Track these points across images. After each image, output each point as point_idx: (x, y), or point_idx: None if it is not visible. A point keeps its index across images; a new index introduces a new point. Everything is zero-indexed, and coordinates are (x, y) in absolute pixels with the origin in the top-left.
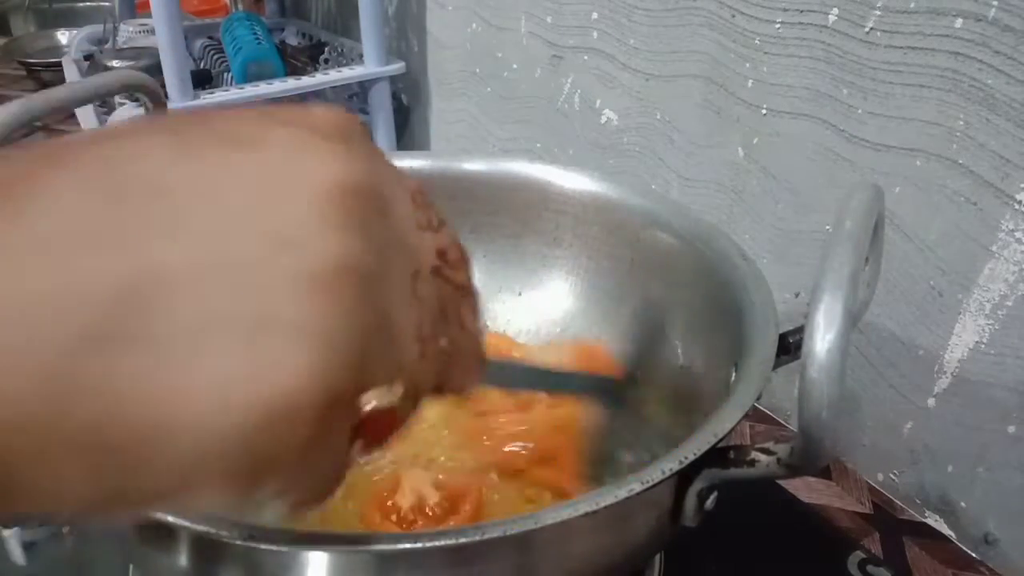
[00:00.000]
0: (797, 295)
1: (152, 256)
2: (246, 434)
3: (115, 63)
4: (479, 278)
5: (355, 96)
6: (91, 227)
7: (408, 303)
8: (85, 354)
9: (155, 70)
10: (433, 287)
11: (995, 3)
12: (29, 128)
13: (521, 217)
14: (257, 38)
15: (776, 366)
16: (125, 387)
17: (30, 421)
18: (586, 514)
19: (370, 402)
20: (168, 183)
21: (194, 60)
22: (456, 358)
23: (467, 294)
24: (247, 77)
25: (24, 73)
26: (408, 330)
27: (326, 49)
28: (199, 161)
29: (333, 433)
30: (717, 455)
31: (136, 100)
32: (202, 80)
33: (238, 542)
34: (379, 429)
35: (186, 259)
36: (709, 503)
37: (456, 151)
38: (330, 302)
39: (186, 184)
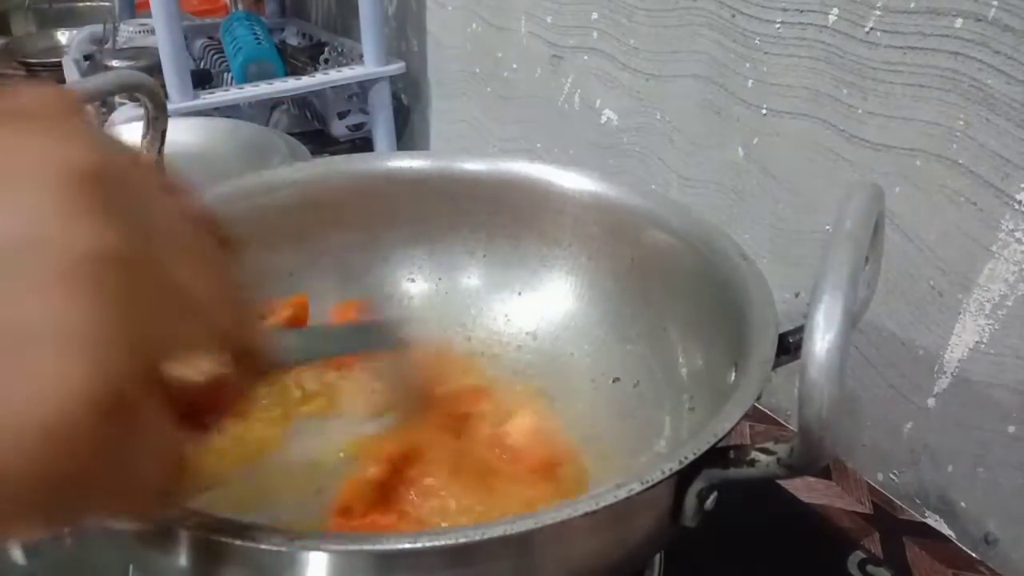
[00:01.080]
0: (797, 295)
1: None
2: (30, 461)
3: (115, 63)
4: (479, 278)
5: (355, 96)
6: None
7: (172, 270)
8: None
9: (155, 70)
10: (191, 247)
11: (995, 3)
12: None
13: (521, 217)
14: (257, 38)
15: (776, 366)
16: None
17: None
18: (586, 514)
19: (182, 378)
20: None
21: (194, 60)
22: (239, 310)
23: (225, 247)
24: (247, 77)
25: (24, 73)
26: (180, 296)
27: (326, 49)
28: None
29: (135, 429)
30: (717, 455)
31: (136, 100)
32: (202, 80)
33: (238, 542)
34: (211, 403)
35: None
36: (709, 503)
37: (456, 151)
38: (87, 297)
39: None
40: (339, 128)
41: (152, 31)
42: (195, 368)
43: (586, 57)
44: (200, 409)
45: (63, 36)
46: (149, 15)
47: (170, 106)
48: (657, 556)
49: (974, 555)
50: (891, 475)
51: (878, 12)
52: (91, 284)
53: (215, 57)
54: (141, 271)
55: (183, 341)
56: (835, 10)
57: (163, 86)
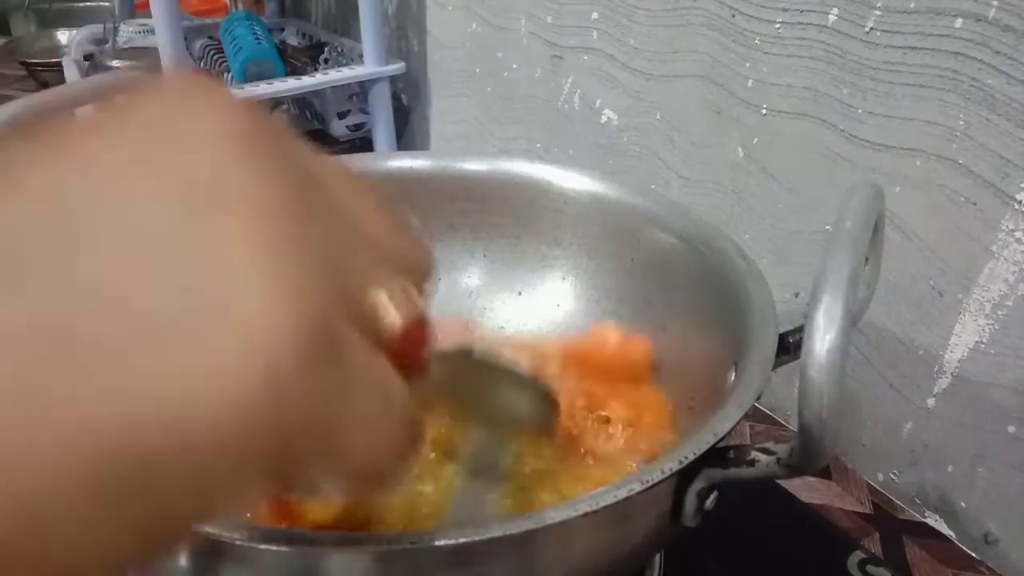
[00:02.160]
0: (797, 295)
1: (79, 274)
2: (248, 418)
3: (115, 63)
4: (479, 278)
5: (355, 96)
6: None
7: (345, 208)
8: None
9: (155, 70)
10: (354, 187)
11: (995, 3)
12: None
13: (521, 217)
14: (257, 38)
15: (776, 366)
16: (119, 402)
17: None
18: (586, 514)
19: (387, 316)
20: (67, 202)
21: (194, 60)
22: (411, 238)
23: (381, 201)
24: (247, 77)
25: (24, 73)
26: (361, 230)
27: (326, 49)
28: (95, 170)
29: (350, 370)
30: (717, 455)
31: None
32: None
33: (238, 542)
34: (415, 345)
35: (116, 270)
36: (709, 503)
37: (456, 151)
38: (284, 237)
39: (83, 194)
40: (339, 128)
41: (152, 31)
42: (397, 308)
43: (586, 57)
44: (406, 358)
45: (63, 36)
46: (149, 15)
47: None
48: (657, 556)
49: (974, 555)
50: (891, 475)
51: (878, 12)
52: (280, 225)
53: (215, 57)
54: (322, 211)
55: (376, 279)
56: (835, 10)
57: None
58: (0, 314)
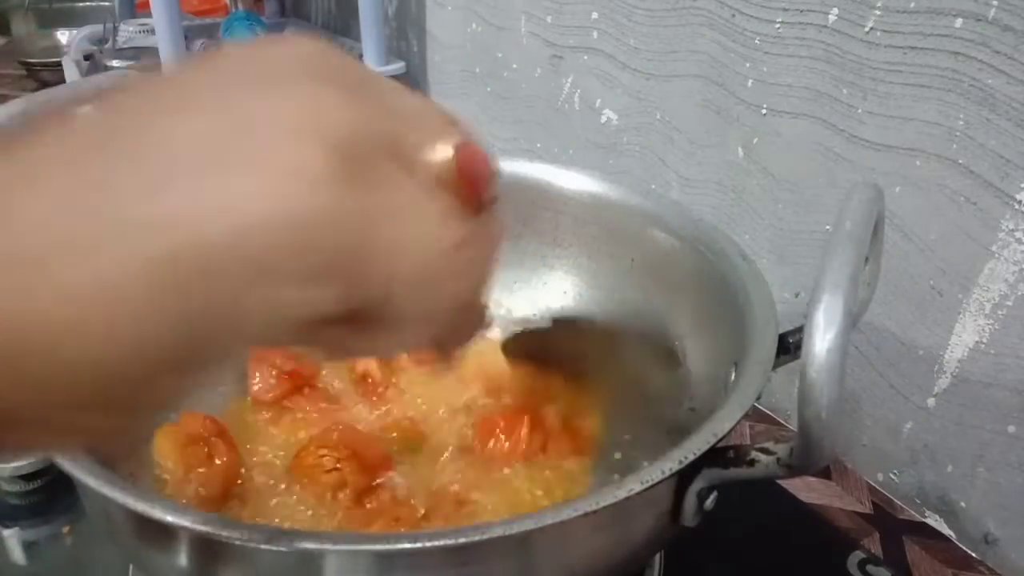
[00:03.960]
0: (797, 295)
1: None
2: (296, 219)
3: (115, 63)
4: None
5: None
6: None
7: (397, 104)
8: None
9: (155, 70)
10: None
11: (995, 3)
12: None
13: (521, 217)
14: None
15: (776, 366)
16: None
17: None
18: (586, 514)
19: (443, 152)
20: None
21: None
22: (450, 119)
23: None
24: None
25: (24, 73)
26: (399, 111)
27: None
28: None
29: (387, 191)
30: (717, 455)
31: None
32: None
33: (238, 542)
34: (473, 179)
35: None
36: (709, 503)
37: None
38: (331, 96)
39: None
40: None
41: (152, 31)
42: (444, 143)
43: (586, 57)
44: (468, 192)
45: (63, 36)
46: (149, 15)
47: None
48: (657, 556)
49: (974, 555)
50: (891, 475)
51: (878, 12)
52: (329, 88)
53: None
54: (370, 93)
55: (423, 131)
56: (835, 10)
57: None
58: (87, 140)
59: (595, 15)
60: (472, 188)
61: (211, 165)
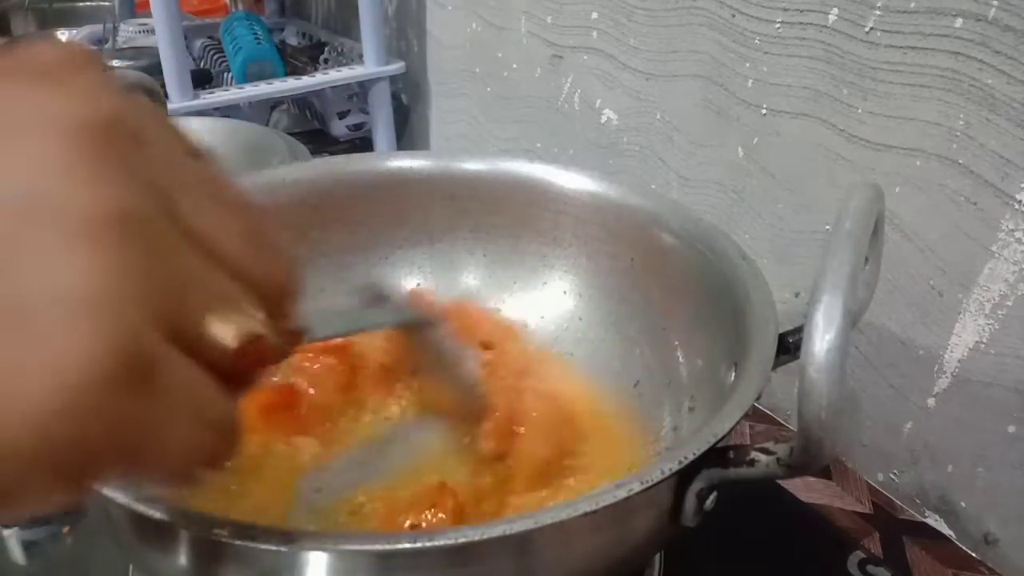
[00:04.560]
0: (797, 295)
1: None
2: (40, 438)
3: (115, 63)
4: (479, 278)
5: (355, 96)
6: None
7: (195, 222)
8: None
9: (155, 70)
10: (215, 196)
11: (995, 3)
12: None
13: (521, 217)
14: (257, 38)
15: (776, 366)
16: None
17: None
18: (586, 514)
19: (225, 339)
20: None
21: (194, 60)
22: (272, 259)
23: (249, 213)
24: (247, 77)
25: None
26: (204, 247)
27: (326, 49)
28: None
29: (166, 392)
30: (717, 455)
31: None
32: (202, 80)
33: (238, 542)
34: (247, 363)
35: None
36: (709, 503)
37: (456, 151)
38: (97, 258)
39: None
40: (339, 128)
41: (152, 31)
42: (231, 328)
43: (586, 57)
44: (239, 373)
45: (63, 36)
46: (149, 15)
47: (170, 106)
48: (657, 556)
49: (974, 555)
50: (891, 475)
51: (878, 12)
52: (101, 244)
53: (215, 57)
54: (158, 226)
55: (212, 296)
56: (835, 10)
57: (163, 86)
58: None
59: (595, 15)
60: (241, 373)
61: None
